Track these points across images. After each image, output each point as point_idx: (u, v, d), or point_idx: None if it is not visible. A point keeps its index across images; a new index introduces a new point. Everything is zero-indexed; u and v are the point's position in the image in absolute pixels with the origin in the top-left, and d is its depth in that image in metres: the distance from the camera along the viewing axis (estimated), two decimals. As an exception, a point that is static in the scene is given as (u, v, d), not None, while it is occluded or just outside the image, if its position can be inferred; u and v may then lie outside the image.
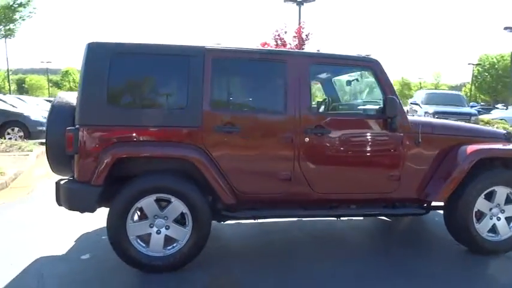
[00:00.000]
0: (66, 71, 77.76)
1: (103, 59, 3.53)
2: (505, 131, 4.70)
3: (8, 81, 40.38)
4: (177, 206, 3.54)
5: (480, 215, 4.09)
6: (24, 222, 5.01)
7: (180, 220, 3.60)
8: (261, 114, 3.90)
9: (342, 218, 5.17)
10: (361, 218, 5.28)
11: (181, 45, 3.74)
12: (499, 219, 4.12)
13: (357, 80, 4.63)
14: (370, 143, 4.00)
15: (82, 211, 3.61)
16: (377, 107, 4.03)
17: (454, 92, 24.34)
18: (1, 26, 12.14)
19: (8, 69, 37.30)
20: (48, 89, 69.80)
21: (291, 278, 3.59)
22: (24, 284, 3.39)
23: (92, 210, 3.56)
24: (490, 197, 4.09)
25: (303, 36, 17.66)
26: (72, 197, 3.53)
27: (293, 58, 3.86)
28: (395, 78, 74.40)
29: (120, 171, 3.58)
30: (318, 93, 5.34)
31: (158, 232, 3.55)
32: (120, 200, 3.45)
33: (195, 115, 3.61)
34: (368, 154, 4.00)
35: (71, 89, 62.79)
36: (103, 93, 3.51)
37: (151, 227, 3.54)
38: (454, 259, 4.16)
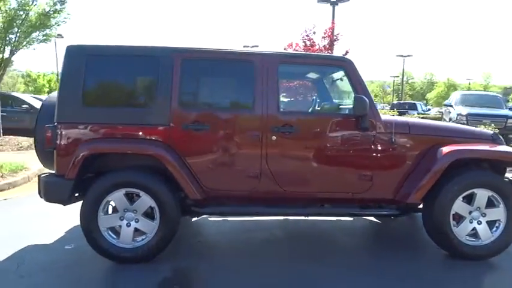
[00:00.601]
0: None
1: (79, 60, 3.77)
2: (492, 132, 4.50)
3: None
4: (146, 201, 3.70)
5: (459, 218, 3.96)
6: (33, 213, 5.37)
7: (150, 214, 3.75)
8: (230, 112, 3.97)
9: (329, 218, 5.18)
10: (351, 218, 5.24)
11: (151, 47, 3.90)
12: (479, 223, 3.96)
13: (341, 79, 4.60)
14: (339, 142, 3.95)
15: (57, 203, 3.84)
16: (350, 106, 4.00)
17: (490, 93, 23.23)
18: (39, 32, 12.92)
19: (57, 73, 39.38)
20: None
21: (260, 277, 3.60)
22: (4, 268, 3.66)
23: (66, 202, 3.79)
24: (470, 199, 3.95)
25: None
26: (48, 190, 3.77)
27: (261, 58, 3.91)
28: (440, 79, 71.70)
29: (95, 167, 3.81)
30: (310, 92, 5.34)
31: (128, 225, 3.72)
32: (91, 193, 3.66)
33: (164, 113, 3.77)
34: (337, 153, 3.96)
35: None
36: (79, 92, 3.74)
37: (122, 220, 3.72)
38: (442, 260, 4.04)
